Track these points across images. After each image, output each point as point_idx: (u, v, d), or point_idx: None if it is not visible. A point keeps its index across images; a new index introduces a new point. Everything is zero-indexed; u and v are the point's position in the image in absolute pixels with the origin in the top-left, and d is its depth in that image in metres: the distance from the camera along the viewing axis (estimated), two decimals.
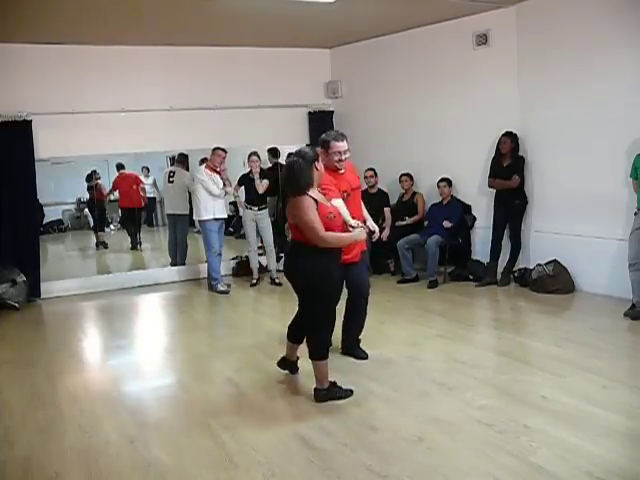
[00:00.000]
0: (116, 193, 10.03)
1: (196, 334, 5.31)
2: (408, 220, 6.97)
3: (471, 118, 6.62)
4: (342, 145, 3.97)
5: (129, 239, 9.99)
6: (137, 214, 10.12)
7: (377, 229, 4.20)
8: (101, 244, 10.27)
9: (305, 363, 4.30)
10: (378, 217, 7.18)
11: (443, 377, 3.89)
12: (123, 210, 10.15)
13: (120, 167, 9.65)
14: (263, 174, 6.98)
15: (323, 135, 4.08)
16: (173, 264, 7.91)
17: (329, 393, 3.61)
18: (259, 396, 3.77)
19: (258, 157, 7.01)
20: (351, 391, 3.68)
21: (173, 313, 6.39)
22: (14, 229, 6.57)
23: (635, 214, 4.98)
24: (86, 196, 10.43)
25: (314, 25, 6.60)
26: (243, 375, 4.12)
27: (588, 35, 5.49)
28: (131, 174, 9.75)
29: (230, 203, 8.30)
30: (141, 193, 10.05)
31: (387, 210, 7.11)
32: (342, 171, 4.04)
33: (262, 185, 6.86)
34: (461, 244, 6.73)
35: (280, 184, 8.27)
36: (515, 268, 6.32)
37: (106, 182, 12.90)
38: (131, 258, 9.71)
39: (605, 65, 5.38)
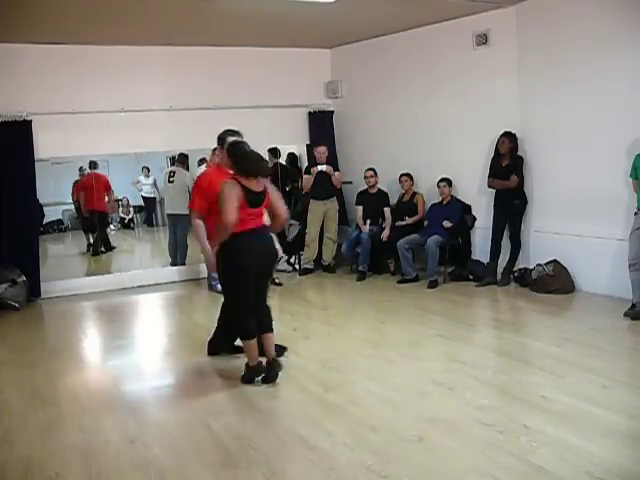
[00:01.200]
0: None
1: (196, 334, 5.29)
2: (408, 220, 6.96)
3: (471, 118, 6.62)
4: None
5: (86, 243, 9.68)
6: (101, 219, 9.67)
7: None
8: (91, 246, 10.14)
9: (302, 361, 4.30)
10: (378, 217, 7.21)
11: (443, 377, 3.89)
12: (86, 213, 9.64)
13: (92, 165, 9.19)
14: None
15: (221, 133, 4.14)
16: (173, 264, 7.91)
17: None
18: (259, 396, 3.76)
19: None
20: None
21: (173, 313, 6.39)
22: (14, 229, 6.56)
23: (635, 214, 4.98)
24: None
25: (314, 25, 6.60)
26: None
27: (588, 35, 5.49)
28: (101, 176, 9.30)
29: None
30: (106, 198, 9.57)
31: (387, 210, 7.11)
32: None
33: None
34: (461, 244, 6.73)
35: (280, 183, 8.30)
36: (515, 268, 6.31)
37: None
38: (93, 263, 9.46)
39: (605, 64, 5.38)
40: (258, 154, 3.86)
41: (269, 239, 3.92)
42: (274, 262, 3.99)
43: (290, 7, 5.62)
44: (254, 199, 3.74)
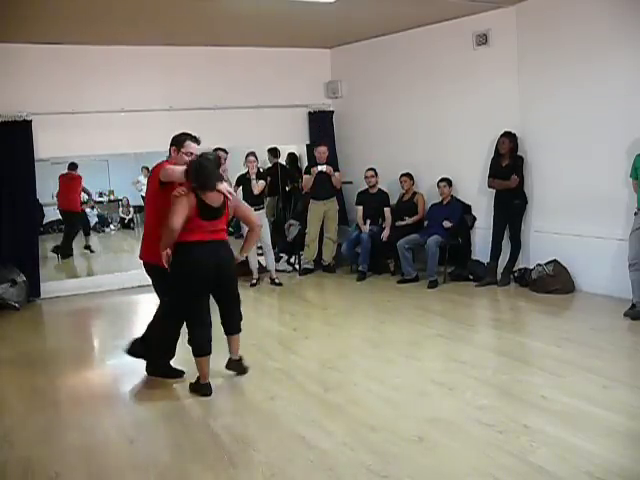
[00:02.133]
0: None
1: None
2: (408, 220, 6.95)
3: (471, 118, 6.62)
4: (196, 147, 3.96)
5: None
6: (76, 219, 9.81)
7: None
8: (87, 248, 10.17)
9: (302, 361, 4.30)
10: (378, 217, 7.21)
11: (443, 377, 3.89)
12: (63, 213, 9.84)
13: (71, 167, 9.33)
14: (260, 175, 6.98)
15: (176, 135, 4.07)
16: None
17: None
18: (259, 396, 3.77)
19: (255, 157, 7.00)
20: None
21: None
22: (14, 229, 6.56)
23: (635, 214, 4.98)
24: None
25: (314, 25, 6.60)
26: (243, 375, 4.12)
27: (588, 35, 5.49)
28: (75, 177, 9.41)
29: None
30: (81, 198, 9.76)
31: (387, 210, 7.10)
32: None
33: (258, 186, 6.84)
34: (461, 244, 6.73)
35: (280, 183, 8.30)
36: (515, 268, 6.31)
37: (105, 182, 12.86)
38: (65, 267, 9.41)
39: (605, 64, 5.38)
40: (213, 169, 3.71)
41: (222, 251, 3.80)
42: (228, 271, 3.85)
43: (290, 7, 5.62)
44: (208, 213, 3.69)
